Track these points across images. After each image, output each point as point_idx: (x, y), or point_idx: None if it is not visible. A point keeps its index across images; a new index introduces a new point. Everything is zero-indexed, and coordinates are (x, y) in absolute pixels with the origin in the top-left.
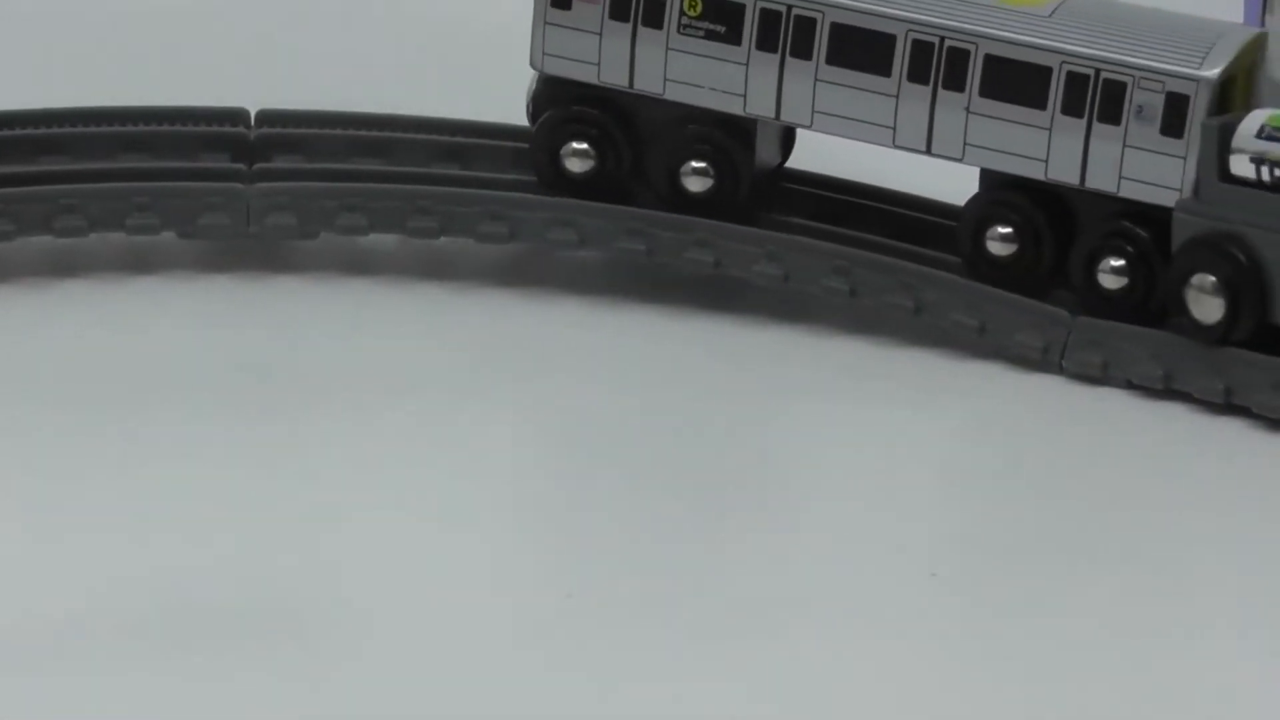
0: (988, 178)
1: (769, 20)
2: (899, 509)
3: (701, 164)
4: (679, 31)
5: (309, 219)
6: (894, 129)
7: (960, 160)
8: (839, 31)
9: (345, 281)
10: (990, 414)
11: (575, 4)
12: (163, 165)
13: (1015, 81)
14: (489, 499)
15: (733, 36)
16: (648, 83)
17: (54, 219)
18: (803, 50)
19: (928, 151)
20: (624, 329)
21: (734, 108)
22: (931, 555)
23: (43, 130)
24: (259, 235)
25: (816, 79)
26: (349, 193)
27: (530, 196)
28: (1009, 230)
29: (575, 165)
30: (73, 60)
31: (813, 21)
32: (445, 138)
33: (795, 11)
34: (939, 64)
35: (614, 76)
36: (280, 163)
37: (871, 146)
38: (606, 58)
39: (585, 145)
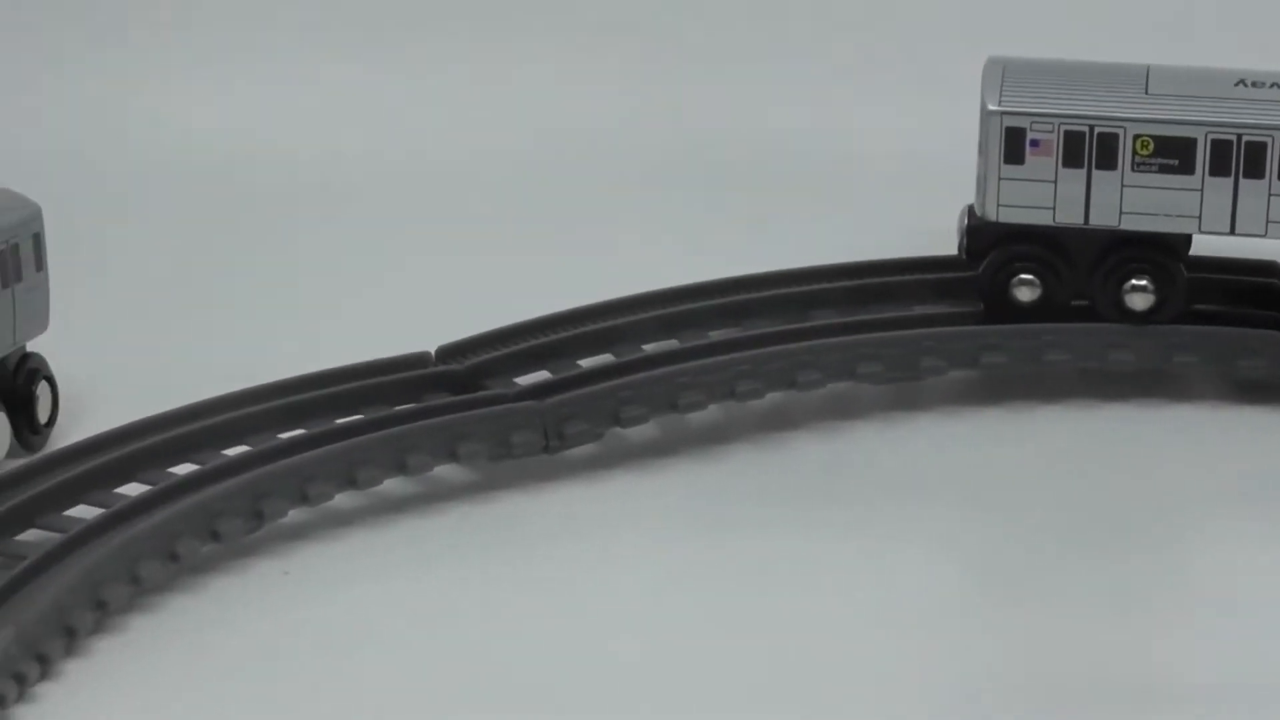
0: None
1: (1220, 150)
2: None
3: (1143, 280)
4: (1133, 169)
5: (1085, 355)
6: None
7: None
8: None
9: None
10: None
11: (1028, 159)
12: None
13: None
14: None
15: (1186, 167)
16: (1103, 218)
17: (854, 366)
18: (1255, 171)
19: None
20: None
21: (1189, 229)
22: None
23: (805, 287)
24: (1033, 373)
25: (1270, 194)
26: (1124, 332)
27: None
28: None
29: (1024, 294)
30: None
31: (1263, 145)
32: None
33: (1246, 138)
34: None
35: (1068, 217)
36: None
37: None
38: (1061, 201)
39: (1032, 276)
